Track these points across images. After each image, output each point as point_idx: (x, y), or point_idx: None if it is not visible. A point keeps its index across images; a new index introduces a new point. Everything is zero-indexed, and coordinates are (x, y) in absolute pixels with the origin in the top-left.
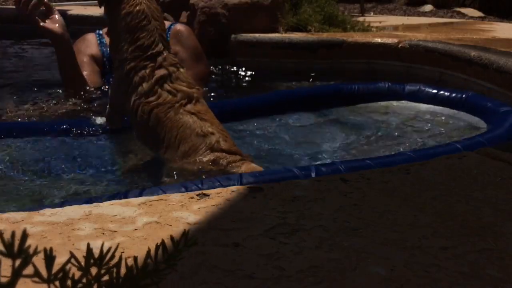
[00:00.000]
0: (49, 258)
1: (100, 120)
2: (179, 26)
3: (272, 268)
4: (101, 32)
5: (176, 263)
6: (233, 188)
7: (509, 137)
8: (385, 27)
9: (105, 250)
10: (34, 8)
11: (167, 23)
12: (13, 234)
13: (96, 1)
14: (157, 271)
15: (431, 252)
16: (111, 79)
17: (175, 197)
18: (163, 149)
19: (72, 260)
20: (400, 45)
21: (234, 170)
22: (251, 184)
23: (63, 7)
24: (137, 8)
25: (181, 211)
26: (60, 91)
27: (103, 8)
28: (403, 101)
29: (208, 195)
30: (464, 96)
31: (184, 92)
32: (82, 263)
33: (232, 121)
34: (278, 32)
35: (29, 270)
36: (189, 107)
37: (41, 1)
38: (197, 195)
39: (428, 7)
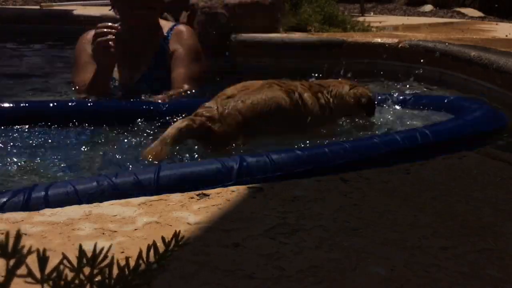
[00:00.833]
0: (42, 259)
1: None
2: (180, 27)
3: (272, 268)
4: None
5: (166, 263)
6: (233, 188)
7: (450, 132)
8: (385, 27)
9: (104, 250)
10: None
11: (170, 24)
12: (7, 234)
13: (96, 1)
14: (149, 271)
15: (431, 252)
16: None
17: (175, 197)
18: None
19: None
20: (400, 45)
21: None
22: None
23: (63, 7)
24: None
25: (181, 211)
26: (62, 91)
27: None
28: None
29: (208, 195)
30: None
31: None
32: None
33: None
34: (278, 32)
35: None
36: None
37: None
38: (197, 195)
39: (428, 7)
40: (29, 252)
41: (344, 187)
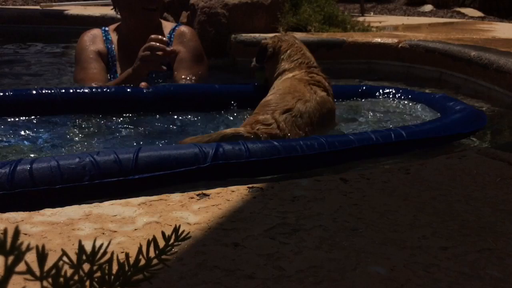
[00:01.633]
0: (41, 255)
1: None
2: (183, 28)
3: (272, 268)
4: (107, 28)
5: (168, 258)
6: (233, 188)
7: (426, 134)
8: (385, 27)
9: (102, 248)
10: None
11: (172, 24)
12: (5, 232)
13: (96, 1)
14: (148, 266)
15: (431, 252)
16: (112, 77)
17: (175, 197)
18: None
19: (65, 258)
20: (400, 45)
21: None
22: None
23: (63, 7)
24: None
25: (181, 211)
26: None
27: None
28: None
29: (208, 195)
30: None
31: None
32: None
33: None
34: (278, 32)
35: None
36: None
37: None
38: (197, 195)
39: (428, 7)
40: (28, 249)
41: (344, 187)
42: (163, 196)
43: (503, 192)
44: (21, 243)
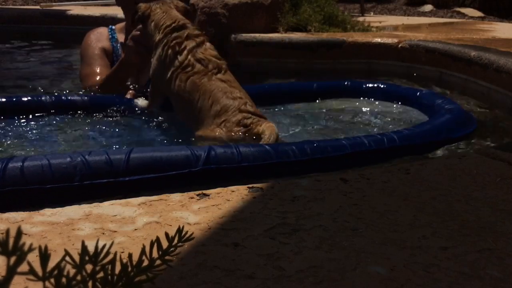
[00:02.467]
0: (44, 256)
1: (141, 101)
2: None
3: (272, 268)
4: (113, 27)
5: (170, 259)
6: (233, 188)
7: (412, 139)
8: (385, 27)
9: (104, 249)
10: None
11: None
12: (7, 232)
13: (96, 1)
14: (152, 267)
15: (431, 252)
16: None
17: (175, 197)
18: (197, 111)
19: (68, 258)
20: (400, 45)
21: (255, 130)
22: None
23: (63, 7)
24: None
25: (181, 211)
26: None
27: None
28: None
29: (208, 195)
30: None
31: (214, 63)
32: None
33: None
34: (278, 32)
35: (25, 269)
36: (219, 75)
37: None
38: (197, 195)
39: (428, 7)
40: (30, 249)
41: (344, 187)
42: (163, 196)
43: (503, 192)
44: (23, 244)
